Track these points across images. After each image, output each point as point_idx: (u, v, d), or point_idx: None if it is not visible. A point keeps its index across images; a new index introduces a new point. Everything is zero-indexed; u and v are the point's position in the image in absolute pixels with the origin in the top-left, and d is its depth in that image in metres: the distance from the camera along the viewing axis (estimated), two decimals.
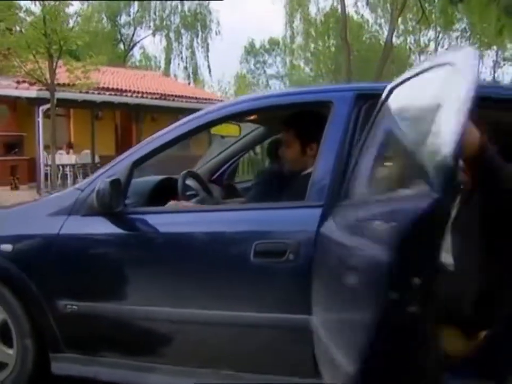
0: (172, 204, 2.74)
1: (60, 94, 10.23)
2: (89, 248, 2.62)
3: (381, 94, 2.27)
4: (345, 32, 19.42)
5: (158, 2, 33.99)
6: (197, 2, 33.95)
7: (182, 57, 37.21)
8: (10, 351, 2.70)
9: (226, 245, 2.42)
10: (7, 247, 2.67)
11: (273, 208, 2.49)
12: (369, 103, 2.41)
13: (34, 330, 2.66)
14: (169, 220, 2.58)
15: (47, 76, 8.51)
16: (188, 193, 3.12)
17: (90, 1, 10.39)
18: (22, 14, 7.85)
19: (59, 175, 13.24)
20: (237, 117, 3.05)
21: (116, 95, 14.58)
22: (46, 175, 13.03)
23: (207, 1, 33.10)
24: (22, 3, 8.12)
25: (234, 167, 4.17)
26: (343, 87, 2.76)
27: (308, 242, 2.22)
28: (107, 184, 2.39)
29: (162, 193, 3.00)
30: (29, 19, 7.83)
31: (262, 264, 2.29)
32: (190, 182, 3.21)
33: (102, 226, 2.53)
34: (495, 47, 34.17)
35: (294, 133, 2.83)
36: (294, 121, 2.85)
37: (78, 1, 8.08)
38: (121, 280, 2.56)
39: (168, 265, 2.49)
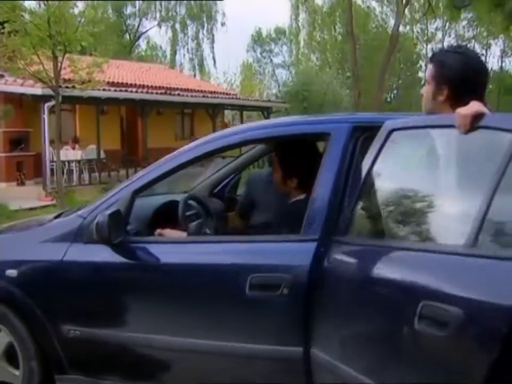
0: (157, 233, 2.79)
1: (65, 90, 10.24)
2: (91, 276, 2.69)
3: (378, 127, 2.31)
4: (351, 26, 19.30)
5: None
6: None
7: (187, 49, 37.20)
8: (17, 372, 2.79)
9: (222, 276, 2.47)
10: (12, 272, 2.74)
11: (268, 241, 2.53)
12: (366, 135, 2.43)
13: (39, 353, 2.74)
14: (167, 250, 2.63)
15: (51, 74, 8.49)
16: (189, 213, 3.16)
17: (94, 1, 10.32)
18: (26, 15, 7.86)
19: (65, 171, 13.29)
20: (236, 147, 3.11)
21: (121, 90, 14.59)
22: (51, 170, 13.07)
23: None
24: (26, 4, 8.15)
25: (236, 180, 4.20)
26: (340, 118, 2.79)
27: (302, 276, 2.26)
28: (106, 217, 2.45)
29: (165, 216, 3.05)
30: (33, 20, 7.82)
31: (257, 296, 2.34)
32: (192, 202, 3.25)
33: (103, 255, 2.59)
34: (502, 36, 33.87)
35: (278, 160, 2.88)
36: (280, 150, 2.91)
37: (82, 3, 8.07)
38: (120, 308, 2.64)
39: (165, 295, 2.56)
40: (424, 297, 1.69)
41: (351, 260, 2.16)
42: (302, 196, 2.72)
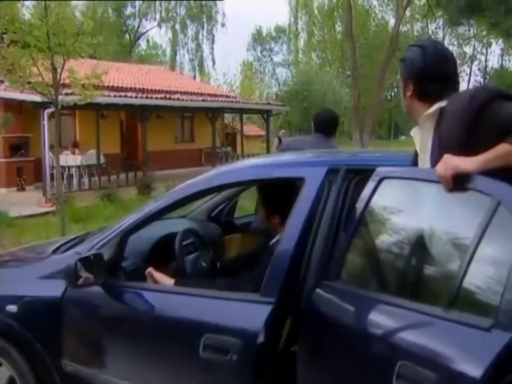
0: (147, 272, 2.80)
1: (64, 98, 10.25)
2: (83, 315, 2.78)
3: (358, 169, 2.34)
4: (351, 28, 19.30)
5: None
6: None
7: (187, 49, 37.24)
8: None
9: (181, 332, 2.46)
10: (12, 308, 2.81)
11: (227, 299, 2.43)
12: (342, 176, 2.39)
13: None
14: (140, 298, 2.62)
15: (51, 82, 8.50)
16: (186, 242, 3.21)
17: (93, 1, 10.30)
18: (25, 27, 7.88)
19: (65, 176, 13.34)
20: (215, 190, 3.22)
21: (120, 96, 14.60)
22: (51, 175, 13.08)
23: None
24: (25, 16, 8.18)
25: (233, 204, 4.25)
26: (316, 161, 2.72)
27: (252, 344, 2.19)
28: (75, 263, 2.52)
29: (164, 249, 3.10)
30: (32, 30, 7.85)
31: (210, 358, 2.28)
32: (190, 234, 3.29)
33: (93, 296, 2.66)
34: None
35: (262, 198, 2.88)
36: (261, 187, 2.90)
37: (81, 14, 8.08)
38: (96, 349, 2.73)
39: (134, 343, 2.62)
40: (402, 357, 1.73)
41: (337, 308, 2.15)
42: None
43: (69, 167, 13.75)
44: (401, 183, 2.14)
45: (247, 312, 2.31)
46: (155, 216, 2.76)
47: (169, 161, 16.38)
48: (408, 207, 2.12)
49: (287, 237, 2.36)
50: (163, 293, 2.66)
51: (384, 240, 2.17)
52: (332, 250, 2.29)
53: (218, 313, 2.38)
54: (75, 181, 13.98)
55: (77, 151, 14.42)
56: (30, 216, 10.83)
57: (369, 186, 2.21)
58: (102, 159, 14.64)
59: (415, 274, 1.98)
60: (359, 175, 2.41)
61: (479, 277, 1.66)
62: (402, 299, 1.88)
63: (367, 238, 2.23)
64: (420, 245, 1.94)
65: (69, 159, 13.90)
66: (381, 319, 1.94)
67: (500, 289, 1.54)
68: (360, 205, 2.22)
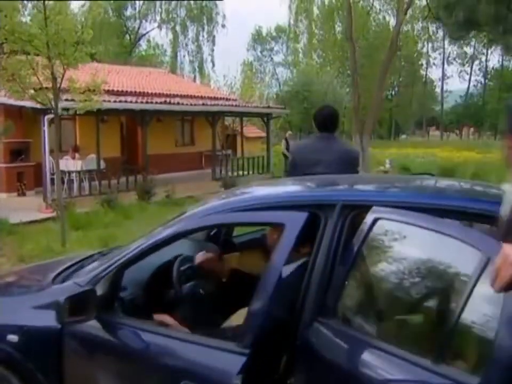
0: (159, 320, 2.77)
1: (64, 103, 10.28)
2: (81, 347, 2.81)
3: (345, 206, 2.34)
4: (350, 32, 19.29)
5: None
6: None
7: (188, 51, 37.26)
8: None
9: (163, 374, 2.50)
10: (13, 337, 2.84)
11: (208, 346, 2.41)
12: (327, 216, 2.37)
13: None
14: (132, 337, 2.65)
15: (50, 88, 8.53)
16: (183, 268, 3.23)
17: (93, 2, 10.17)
18: (25, 38, 7.90)
19: (65, 180, 13.35)
20: (203, 229, 3.28)
21: (120, 101, 14.60)
22: (52, 180, 13.08)
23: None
24: (24, 26, 8.18)
25: None
26: (297, 203, 2.57)
27: None
28: (63, 301, 2.53)
29: (162, 278, 3.12)
30: (32, 40, 7.87)
31: None
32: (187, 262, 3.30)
33: (89, 329, 2.69)
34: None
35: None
36: None
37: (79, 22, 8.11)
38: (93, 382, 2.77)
39: (126, 381, 2.68)
40: None
41: (331, 346, 2.18)
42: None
43: (69, 172, 13.76)
44: (395, 226, 2.17)
45: (223, 362, 2.31)
46: (150, 251, 2.78)
47: (169, 164, 16.41)
48: (400, 250, 2.14)
49: (264, 286, 2.31)
50: (152, 333, 2.64)
51: (376, 281, 2.19)
52: (327, 287, 2.33)
53: (196, 360, 2.41)
54: (75, 186, 13.98)
55: (77, 155, 14.40)
56: (31, 222, 10.85)
57: (363, 227, 2.24)
58: (102, 164, 14.63)
59: (406, 321, 2.01)
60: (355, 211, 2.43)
61: (467, 332, 1.68)
62: (393, 345, 1.90)
63: (361, 277, 2.26)
64: (411, 291, 1.96)
65: (69, 164, 13.90)
66: (370, 363, 1.97)
67: (487, 348, 1.55)
68: (355, 243, 2.25)
